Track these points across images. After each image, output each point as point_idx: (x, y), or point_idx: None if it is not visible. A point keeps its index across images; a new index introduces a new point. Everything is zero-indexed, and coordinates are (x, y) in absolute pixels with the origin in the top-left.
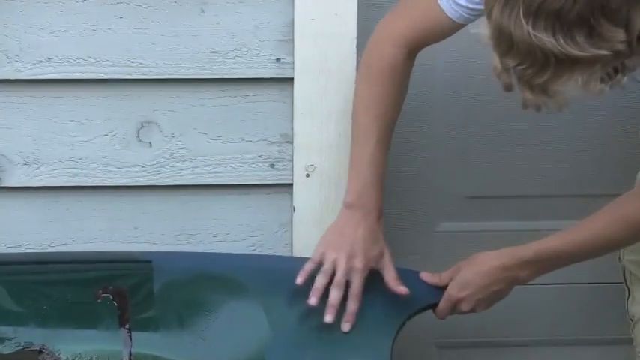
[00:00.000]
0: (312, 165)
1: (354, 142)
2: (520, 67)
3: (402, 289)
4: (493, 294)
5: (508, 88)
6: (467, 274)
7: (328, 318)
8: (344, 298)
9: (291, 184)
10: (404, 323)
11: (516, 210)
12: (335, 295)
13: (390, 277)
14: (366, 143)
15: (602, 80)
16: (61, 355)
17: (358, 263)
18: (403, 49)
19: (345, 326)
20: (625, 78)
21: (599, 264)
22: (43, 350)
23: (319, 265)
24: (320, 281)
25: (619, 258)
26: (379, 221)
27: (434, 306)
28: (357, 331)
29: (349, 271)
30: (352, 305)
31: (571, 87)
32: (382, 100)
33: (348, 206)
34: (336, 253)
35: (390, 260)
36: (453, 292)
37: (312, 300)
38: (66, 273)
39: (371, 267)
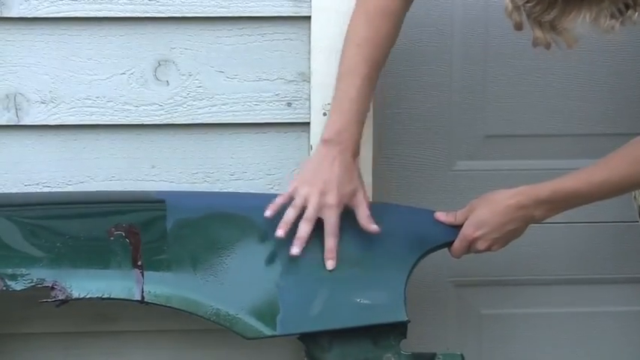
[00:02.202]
0: (329, 104)
1: (341, 78)
2: (529, 5)
3: (373, 228)
4: (508, 233)
5: (519, 27)
6: (482, 214)
7: (294, 250)
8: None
9: (308, 123)
10: (417, 261)
11: (533, 149)
12: (304, 228)
13: (362, 216)
14: (353, 80)
15: (612, 16)
16: (73, 292)
17: (331, 199)
18: None
19: (329, 264)
20: (637, 14)
21: (617, 203)
22: (55, 287)
23: (291, 200)
24: (289, 214)
25: (634, 197)
26: (355, 158)
27: (449, 245)
28: (370, 270)
29: (321, 207)
30: (330, 241)
31: (580, 24)
32: (375, 41)
33: (325, 142)
34: (308, 188)
35: (362, 198)
36: (468, 231)
37: (279, 232)
38: (79, 211)
39: (345, 204)
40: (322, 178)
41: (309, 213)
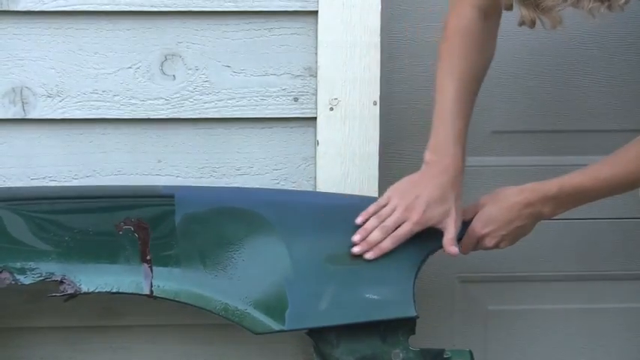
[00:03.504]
0: (335, 98)
1: (435, 100)
2: None
3: (453, 250)
4: (516, 230)
5: (508, 7)
6: (490, 210)
7: (356, 249)
8: None
9: (315, 118)
10: (426, 258)
11: (541, 145)
12: (375, 235)
13: (446, 238)
14: (442, 101)
15: None
16: (81, 286)
17: (414, 216)
18: (478, 10)
19: (369, 254)
20: None
21: (624, 200)
22: (64, 281)
23: (381, 209)
24: (371, 223)
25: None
26: (454, 180)
27: (457, 241)
28: (379, 265)
29: (403, 220)
30: (386, 242)
31: (563, 4)
32: (455, 59)
33: (425, 162)
34: (398, 201)
35: (453, 222)
36: (476, 228)
37: (356, 237)
38: (87, 205)
39: (431, 225)
40: (415, 194)
41: (388, 223)
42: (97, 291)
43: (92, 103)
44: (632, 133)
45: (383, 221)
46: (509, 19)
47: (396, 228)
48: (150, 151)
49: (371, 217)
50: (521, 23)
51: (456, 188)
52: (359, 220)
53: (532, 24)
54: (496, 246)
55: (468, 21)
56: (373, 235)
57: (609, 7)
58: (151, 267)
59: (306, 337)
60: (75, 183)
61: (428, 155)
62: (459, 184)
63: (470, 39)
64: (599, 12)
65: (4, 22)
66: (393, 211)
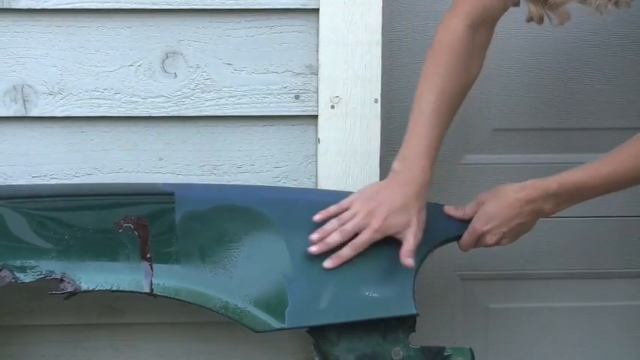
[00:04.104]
0: (337, 96)
1: (412, 108)
2: None
3: (407, 262)
4: (517, 227)
5: (515, 3)
6: (491, 207)
7: (313, 248)
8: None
9: (316, 116)
10: (426, 256)
11: (542, 143)
12: (334, 237)
13: (404, 249)
14: (419, 112)
15: None
16: (81, 284)
17: (375, 223)
18: (465, 22)
19: (327, 262)
20: None
21: (625, 197)
22: (64, 279)
23: (342, 211)
24: (331, 224)
25: None
26: (419, 192)
27: (458, 239)
28: (379, 263)
29: (362, 226)
30: (346, 250)
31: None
32: (439, 71)
33: (393, 170)
34: (361, 205)
35: (413, 233)
36: (477, 225)
37: (314, 236)
38: (87, 203)
39: (391, 234)
40: (378, 201)
41: (347, 227)
42: (97, 289)
43: (93, 101)
44: (634, 130)
45: (342, 224)
46: (510, 16)
47: (356, 233)
48: (151, 149)
49: (331, 217)
50: (529, 19)
51: (420, 200)
52: (317, 217)
53: (540, 20)
54: (497, 243)
55: (456, 35)
56: (332, 237)
57: (616, 4)
58: (151, 265)
59: (307, 335)
60: (76, 181)
61: (397, 164)
62: (424, 196)
63: (456, 54)
64: (606, 9)
65: (5, 20)
66: (354, 215)
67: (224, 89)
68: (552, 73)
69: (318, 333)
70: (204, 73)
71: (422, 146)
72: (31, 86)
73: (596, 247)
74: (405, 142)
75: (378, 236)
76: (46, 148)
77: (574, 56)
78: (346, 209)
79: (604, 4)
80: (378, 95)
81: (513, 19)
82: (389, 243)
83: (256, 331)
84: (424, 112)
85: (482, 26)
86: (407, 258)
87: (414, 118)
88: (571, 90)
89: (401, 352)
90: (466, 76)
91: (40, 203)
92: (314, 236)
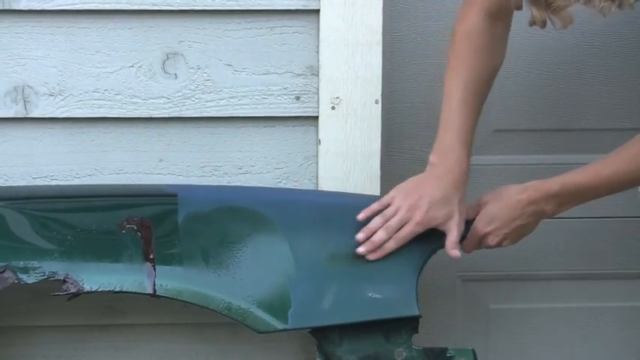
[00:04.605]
0: (337, 97)
1: (442, 104)
2: None
3: (455, 253)
4: (519, 228)
5: (518, 7)
6: (493, 208)
7: (361, 249)
8: None
9: (317, 117)
10: (429, 257)
11: (543, 143)
12: (380, 235)
13: (449, 241)
14: (449, 104)
15: None
16: (84, 285)
17: (417, 216)
18: (481, 13)
19: (372, 255)
20: None
21: (624, 198)
22: (67, 280)
23: (385, 208)
24: (375, 222)
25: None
26: (458, 182)
27: (460, 240)
28: (382, 264)
29: (406, 220)
30: (390, 243)
31: (575, 3)
32: (462, 63)
33: (430, 163)
34: (402, 201)
35: (456, 224)
36: (479, 226)
37: (360, 235)
38: (90, 204)
39: (434, 225)
40: (419, 194)
41: (392, 223)
42: (99, 290)
43: (94, 101)
44: (635, 131)
45: (387, 221)
46: (514, 18)
47: (400, 228)
48: (151, 150)
49: (374, 215)
50: (532, 23)
51: (459, 190)
52: (361, 216)
53: (543, 24)
54: (499, 244)
55: (474, 26)
56: (378, 235)
57: (620, 6)
58: (154, 266)
59: (309, 335)
60: (76, 182)
61: (433, 157)
62: (463, 186)
63: (476, 44)
64: (609, 11)
65: (5, 21)
66: (397, 211)
67: (224, 90)
68: (553, 74)
69: (321, 334)
70: (204, 74)
71: (454, 137)
72: (31, 87)
73: (596, 247)
74: (439, 135)
75: (421, 229)
76: (46, 149)
77: (575, 56)
78: (388, 205)
79: (608, 6)
80: (378, 96)
81: (514, 20)
82: None
83: (259, 332)
84: (452, 105)
85: (499, 16)
86: (452, 249)
87: (444, 112)
88: (572, 90)
89: (404, 353)
90: (489, 65)
91: (42, 204)
92: (360, 236)
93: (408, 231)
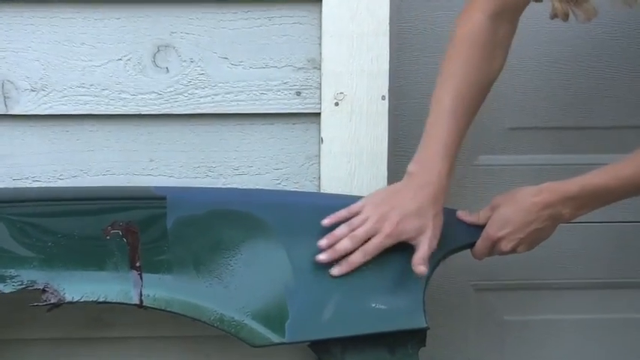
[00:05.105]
0: (341, 92)
1: (431, 108)
2: None
3: (420, 269)
4: (535, 233)
5: None
6: (506, 212)
7: (322, 256)
8: None
9: (319, 114)
10: (438, 264)
11: (561, 142)
12: (344, 243)
13: (416, 256)
14: (437, 111)
15: None
16: (65, 295)
17: (387, 228)
18: (486, 13)
19: (335, 270)
20: None
21: None
22: (47, 289)
23: (352, 216)
24: (341, 230)
25: None
26: (435, 196)
27: (471, 246)
28: (386, 273)
29: (374, 231)
30: (356, 256)
31: None
32: (458, 69)
33: (408, 173)
34: (372, 210)
35: (427, 240)
36: (491, 231)
37: (323, 242)
38: (73, 207)
39: (404, 239)
40: (391, 204)
41: (358, 232)
42: (82, 300)
43: (79, 97)
44: None
45: (352, 230)
46: (530, 10)
47: (367, 239)
48: (141, 150)
49: (341, 222)
50: (554, 16)
51: (436, 204)
52: (326, 222)
53: (565, 17)
54: (513, 250)
55: (475, 27)
56: (342, 244)
57: None
58: (140, 274)
59: (308, 349)
60: (60, 183)
61: (412, 166)
62: (441, 201)
63: (475, 47)
64: (635, 2)
65: None
66: (365, 220)
67: (220, 85)
68: (572, 68)
69: (321, 348)
70: (198, 68)
71: (439, 149)
72: (12, 82)
73: (620, 254)
74: (422, 144)
75: (390, 242)
76: (28, 148)
77: (596, 49)
78: (357, 214)
79: None
80: (385, 91)
81: (529, 9)
82: (398, 250)
83: (254, 346)
84: (440, 113)
85: (505, 17)
86: (419, 265)
87: (430, 119)
88: (592, 86)
89: None
90: (486, 71)
91: (21, 208)
92: (322, 242)
93: (376, 243)
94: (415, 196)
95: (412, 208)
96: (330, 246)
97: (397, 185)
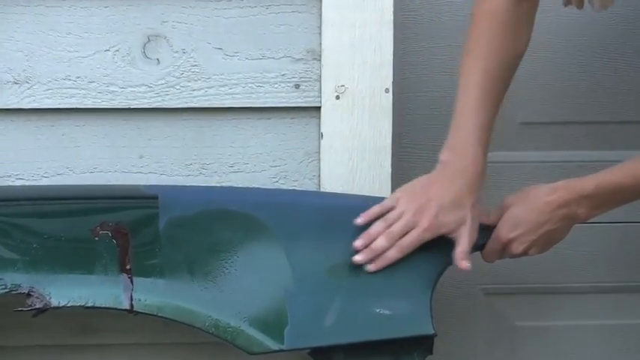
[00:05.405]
0: (342, 85)
1: (457, 92)
2: None
3: (464, 265)
4: (548, 234)
5: None
6: (517, 212)
7: (359, 257)
8: None
9: (319, 107)
10: (445, 268)
11: (576, 138)
12: (380, 242)
13: (458, 250)
14: (465, 94)
15: None
16: (52, 300)
17: (425, 221)
18: None
19: (371, 266)
20: None
21: None
22: (32, 293)
23: (388, 211)
24: (376, 227)
25: None
26: (472, 184)
27: (481, 248)
28: (391, 276)
29: (411, 225)
30: (392, 252)
31: None
32: (481, 47)
33: (441, 162)
34: (408, 203)
35: (468, 232)
36: (502, 232)
37: (358, 242)
38: (59, 207)
39: (443, 233)
40: (427, 196)
41: (395, 229)
42: (69, 305)
43: (65, 90)
44: None
45: (389, 226)
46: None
47: (404, 235)
48: (130, 146)
49: (375, 219)
50: (567, 3)
51: (474, 193)
52: (360, 220)
53: (580, 4)
54: (525, 253)
55: (497, 3)
56: (378, 242)
57: None
58: (131, 278)
59: (308, 357)
60: (45, 181)
61: (445, 154)
62: (477, 189)
63: (499, 25)
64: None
65: None
66: (401, 215)
67: (214, 77)
68: (587, 59)
69: (322, 355)
70: (191, 59)
71: (470, 133)
72: None
73: (636, 257)
74: (452, 131)
75: (429, 236)
76: (10, 144)
77: (612, 39)
78: (391, 208)
79: None
80: (389, 84)
81: (547, 1)
82: None
83: (251, 353)
84: (469, 96)
85: None
86: (462, 261)
87: (459, 104)
88: (608, 79)
89: None
90: (513, 49)
91: (3, 208)
92: (358, 243)
93: (413, 238)
94: (451, 186)
95: (449, 199)
96: (366, 245)
97: (430, 176)
